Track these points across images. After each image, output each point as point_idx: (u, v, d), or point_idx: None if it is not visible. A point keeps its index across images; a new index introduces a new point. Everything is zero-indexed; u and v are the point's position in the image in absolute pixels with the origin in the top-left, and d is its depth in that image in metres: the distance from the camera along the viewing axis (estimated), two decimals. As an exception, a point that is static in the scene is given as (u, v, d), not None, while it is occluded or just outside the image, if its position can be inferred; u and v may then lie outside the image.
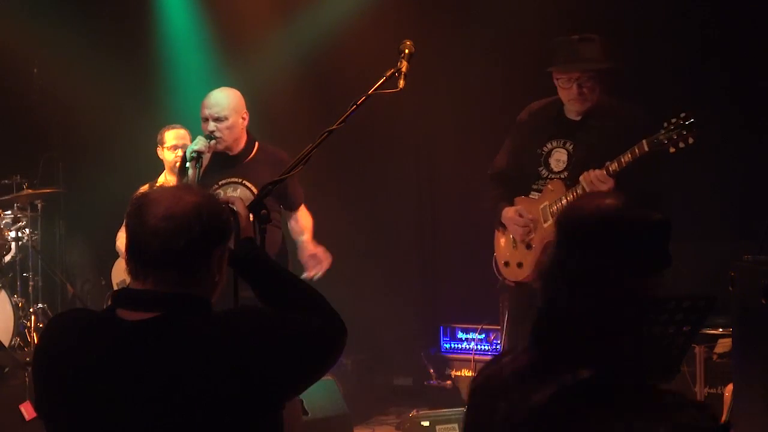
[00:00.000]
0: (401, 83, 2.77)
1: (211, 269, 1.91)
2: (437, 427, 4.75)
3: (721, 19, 5.21)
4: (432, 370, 5.75)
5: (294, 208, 4.28)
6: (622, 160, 3.63)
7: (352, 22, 6.20)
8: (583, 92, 3.83)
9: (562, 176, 3.90)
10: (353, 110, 2.66)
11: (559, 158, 3.94)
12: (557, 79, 3.91)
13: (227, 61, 6.62)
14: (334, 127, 2.62)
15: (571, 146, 3.91)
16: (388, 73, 2.78)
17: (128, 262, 1.90)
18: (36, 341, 5.81)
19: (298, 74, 6.47)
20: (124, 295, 1.90)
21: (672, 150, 3.54)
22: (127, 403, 1.79)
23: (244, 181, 4.11)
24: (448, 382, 5.66)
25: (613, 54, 3.89)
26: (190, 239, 1.85)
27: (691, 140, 3.51)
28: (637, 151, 3.58)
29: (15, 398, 4.88)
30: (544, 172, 3.98)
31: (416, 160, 6.57)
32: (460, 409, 4.82)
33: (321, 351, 1.96)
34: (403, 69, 2.79)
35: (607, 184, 3.64)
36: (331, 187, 5.89)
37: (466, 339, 5.72)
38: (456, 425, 4.70)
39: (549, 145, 3.98)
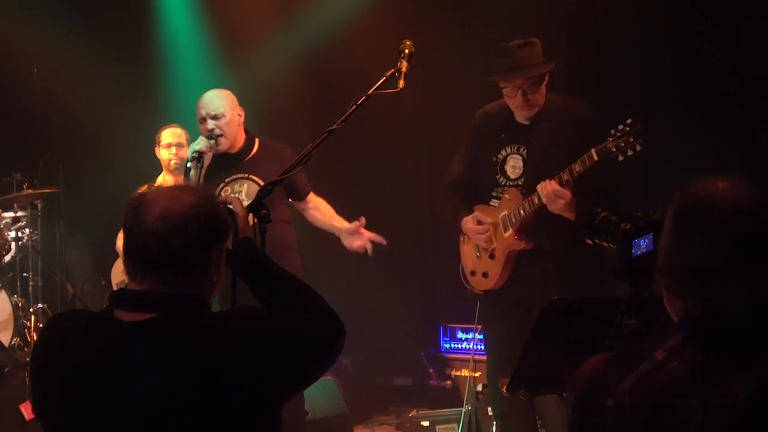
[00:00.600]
0: (401, 83, 2.77)
1: (208, 269, 1.90)
2: (437, 427, 4.75)
3: (719, 17, 5.21)
4: (432, 370, 5.75)
5: (303, 197, 4.31)
6: (574, 170, 3.59)
7: (352, 22, 6.20)
8: (528, 99, 3.79)
9: (519, 183, 3.87)
10: (353, 110, 2.66)
11: (514, 165, 3.91)
12: (503, 88, 3.86)
13: (227, 61, 6.63)
14: (334, 127, 2.62)
15: (525, 151, 3.88)
16: (388, 73, 2.78)
17: (126, 262, 1.90)
18: (34, 341, 5.81)
19: (298, 74, 6.47)
20: (121, 296, 1.89)
21: (620, 158, 3.50)
22: (124, 404, 1.78)
23: (250, 176, 4.14)
24: (448, 382, 5.66)
25: (555, 54, 3.84)
26: (188, 239, 1.84)
27: (638, 147, 3.47)
28: (587, 160, 3.55)
29: (15, 398, 4.89)
30: (502, 180, 3.94)
31: (416, 160, 6.57)
32: (459, 409, 4.81)
33: (320, 351, 1.96)
34: (403, 69, 2.79)
35: (564, 199, 3.62)
36: (330, 187, 5.87)
37: (466, 339, 5.72)
38: (456, 425, 4.70)
39: (504, 152, 3.93)
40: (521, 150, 3.89)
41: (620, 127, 3.48)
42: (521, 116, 3.90)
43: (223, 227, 1.95)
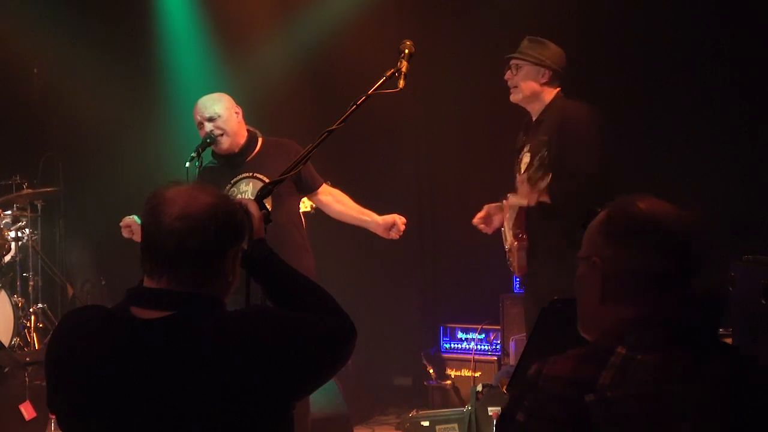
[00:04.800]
0: (401, 83, 2.77)
1: (224, 269, 1.92)
2: (437, 427, 4.75)
3: (723, 18, 5.21)
4: (432, 370, 5.75)
5: (314, 190, 4.31)
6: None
7: (352, 22, 6.19)
8: (510, 79, 4.16)
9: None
10: (353, 110, 2.66)
11: (526, 161, 4.12)
12: None
13: (227, 60, 6.62)
14: (334, 127, 2.62)
15: (530, 147, 4.10)
16: (388, 73, 2.78)
17: (143, 260, 1.91)
18: (34, 341, 5.82)
19: (298, 74, 6.47)
20: (138, 293, 1.91)
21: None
22: (139, 401, 1.80)
23: (255, 175, 4.13)
24: (448, 382, 5.66)
25: (556, 59, 4.14)
26: (205, 239, 1.86)
27: None
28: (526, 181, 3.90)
29: (15, 398, 4.88)
30: (517, 175, 4.16)
31: (416, 161, 6.57)
32: (460, 409, 4.82)
33: (331, 351, 1.97)
34: (403, 69, 2.79)
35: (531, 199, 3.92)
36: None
37: (466, 339, 5.72)
38: (456, 425, 4.70)
39: (522, 149, 4.19)
40: (529, 147, 4.10)
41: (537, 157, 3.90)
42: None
43: (240, 228, 1.98)
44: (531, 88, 4.14)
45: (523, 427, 1.62)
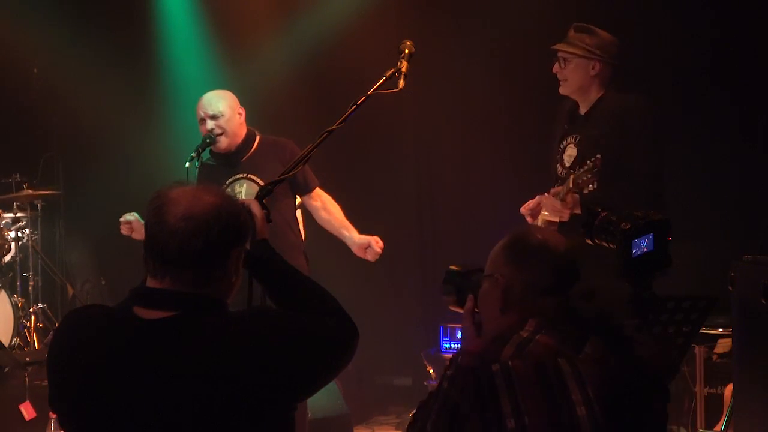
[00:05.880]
0: (401, 83, 2.77)
1: (228, 270, 1.91)
2: (437, 427, 4.74)
3: (722, 22, 5.21)
4: (432, 370, 5.74)
5: (308, 191, 4.30)
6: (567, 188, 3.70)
7: (352, 22, 6.19)
8: (560, 71, 3.91)
9: (570, 172, 3.86)
10: (353, 110, 2.66)
11: (570, 154, 3.93)
12: None
13: (227, 60, 6.63)
14: (333, 127, 2.62)
15: (577, 140, 3.91)
16: (388, 73, 2.78)
17: (146, 260, 1.91)
18: (34, 341, 5.82)
19: (298, 74, 6.47)
20: (141, 293, 1.91)
21: (585, 191, 3.67)
22: (141, 401, 1.80)
23: (249, 176, 4.14)
24: (448, 382, 5.65)
25: (607, 49, 3.91)
26: (209, 240, 1.86)
27: (592, 186, 3.66)
28: (571, 183, 3.66)
29: (15, 398, 4.89)
30: (559, 169, 3.96)
31: (416, 161, 6.57)
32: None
33: (334, 352, 1.98)
34: (403, 69, 2.79)
35: (563, 215, 3.74)
36: (330, 187, 5.87)
37: (467, 339, 5.71)
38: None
39: (564, 142, 3.98)
40: (575, 139, 3.93)
41: (590, 161, 3.59)
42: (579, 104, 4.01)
43: (243, 229, 1.97)
44: (581, 81, 3.90)
45: (445, 393, 2.01)
